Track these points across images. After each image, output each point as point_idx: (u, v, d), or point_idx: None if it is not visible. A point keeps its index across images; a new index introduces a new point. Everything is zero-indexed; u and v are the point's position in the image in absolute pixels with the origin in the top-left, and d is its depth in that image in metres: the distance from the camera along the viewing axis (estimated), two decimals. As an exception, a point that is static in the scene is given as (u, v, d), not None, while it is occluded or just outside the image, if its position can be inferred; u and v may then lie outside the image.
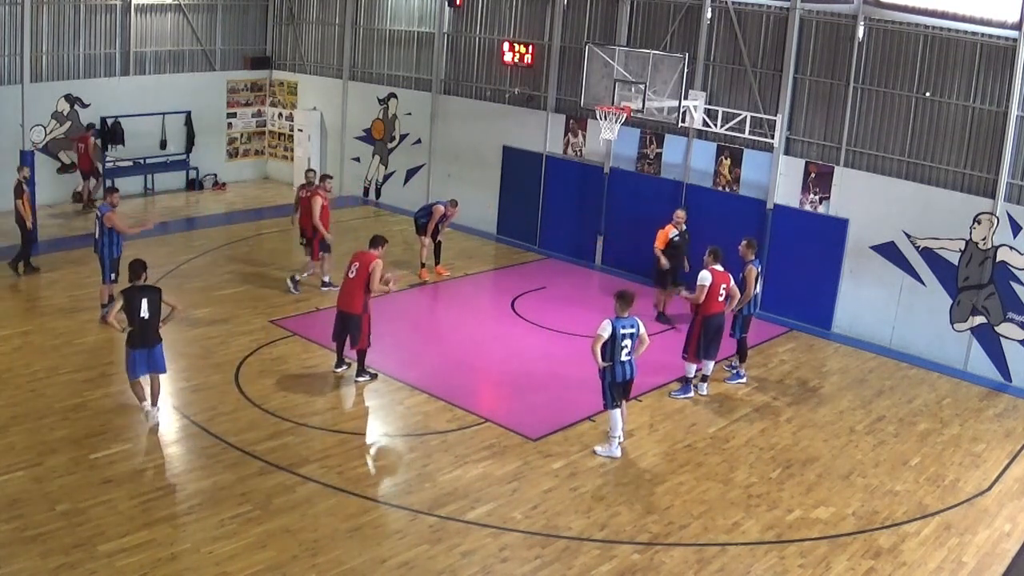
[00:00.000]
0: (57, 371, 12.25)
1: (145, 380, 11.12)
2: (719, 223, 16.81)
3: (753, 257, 13.39)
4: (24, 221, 15.96)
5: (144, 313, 10.71)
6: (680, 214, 15.54)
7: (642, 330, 10.96)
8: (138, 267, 11.02)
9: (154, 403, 11.18)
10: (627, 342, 10.81)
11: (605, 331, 10.69)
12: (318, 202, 15.93)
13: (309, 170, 16.85)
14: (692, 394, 12.87)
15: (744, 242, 13.49)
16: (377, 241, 12.64)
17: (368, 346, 12.63)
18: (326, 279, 16.28)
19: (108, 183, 21.50)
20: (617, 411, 11.11)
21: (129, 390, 11.47)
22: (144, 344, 10.83)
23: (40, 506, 9.14)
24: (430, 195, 20.90)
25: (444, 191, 20.35)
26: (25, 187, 16.15)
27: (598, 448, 11.26)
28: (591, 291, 17.61)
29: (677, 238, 15.28)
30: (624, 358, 10.85)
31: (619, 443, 11.24)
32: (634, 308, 10.93)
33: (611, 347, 10.75)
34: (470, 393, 12.81)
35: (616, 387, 11.01)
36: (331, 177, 17.12)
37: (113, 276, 14.08)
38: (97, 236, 14.17)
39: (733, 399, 13.07)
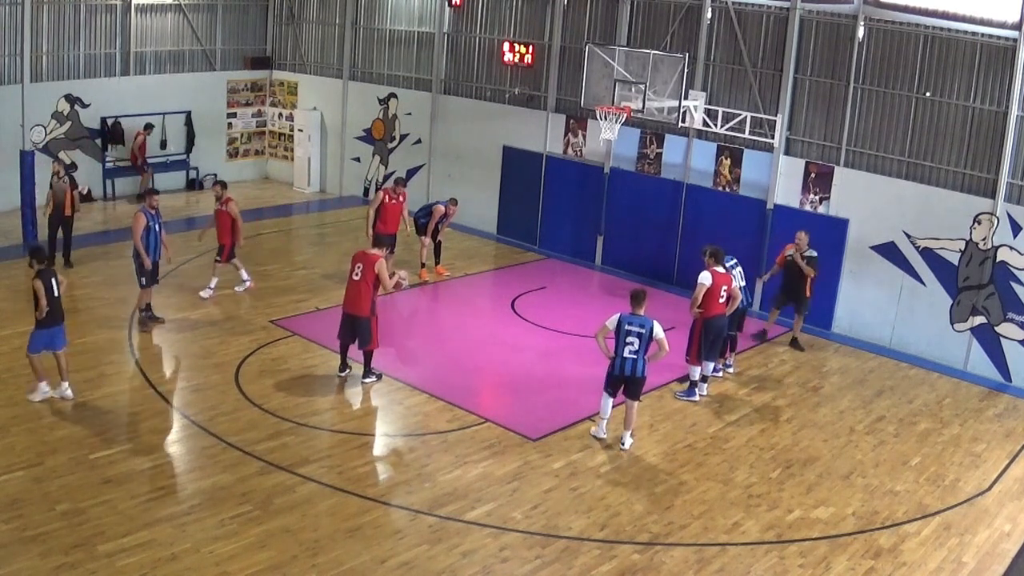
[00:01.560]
0: (57, 371, 12.22)
1: (47, 358, 11.51)
2: (719, 223, 16.84)
3: (715, 264, 12.82)
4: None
5: (56, 291, 11.38)
6: (801, 236, 14.70)
7: (659, 335, 10.96)
8: (41, 252, 11.75)
9: (65, 378, 11.50)
10: (632, 339, 10.93)
11: (611, 323, 11.02)
12: (377, 198, 16.48)
13: (217, 183, 16.37)
14: (697, 397, 12.84)
15: (708, 251, 12.89)
16: (379, 242, 12.62)
17: (377, 346, 12.67)
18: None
19: (109, 182, 21.65)
20: (608, 398, 11.37)
21: (130, 391, 11.50)
22: (57, 322, 11.42)
23: (40, 506, 9.14)
24: (430, 195, 20.88)
25: (444, 191, 20.33)
26: (54, 178, 16.56)
27: (592, 428, 11.66)
28: (591, 291, 17.61)
29: (790, 257, 14.65)
30: (626, 354, 10.99)
31: (620, 446, 11.37)
32: (647, 311, 11.08)
33: (617, 340, 11.04)
34: (470, 393, 12.81)
35: (612, 378, 11.22)
36: (403, 179, 17.36)
37: (143, 280, 13.90)
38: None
39: (733, 399, 13.07)
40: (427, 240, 17.17)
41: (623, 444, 11.40)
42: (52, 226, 16.60)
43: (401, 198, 16.58)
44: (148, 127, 21.60)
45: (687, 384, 12.99)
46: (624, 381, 11.17)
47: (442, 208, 17.07)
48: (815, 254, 14.68)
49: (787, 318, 16.43)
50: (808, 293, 14.78)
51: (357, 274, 12.29)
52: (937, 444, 12.19)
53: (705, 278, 12.43)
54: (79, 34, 20.72)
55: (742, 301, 13.40)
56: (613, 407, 11.45)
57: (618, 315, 11.03)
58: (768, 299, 15.83)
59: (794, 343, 15.14)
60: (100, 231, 19.02)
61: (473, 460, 10.81)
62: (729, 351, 13.85)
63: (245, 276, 15.95)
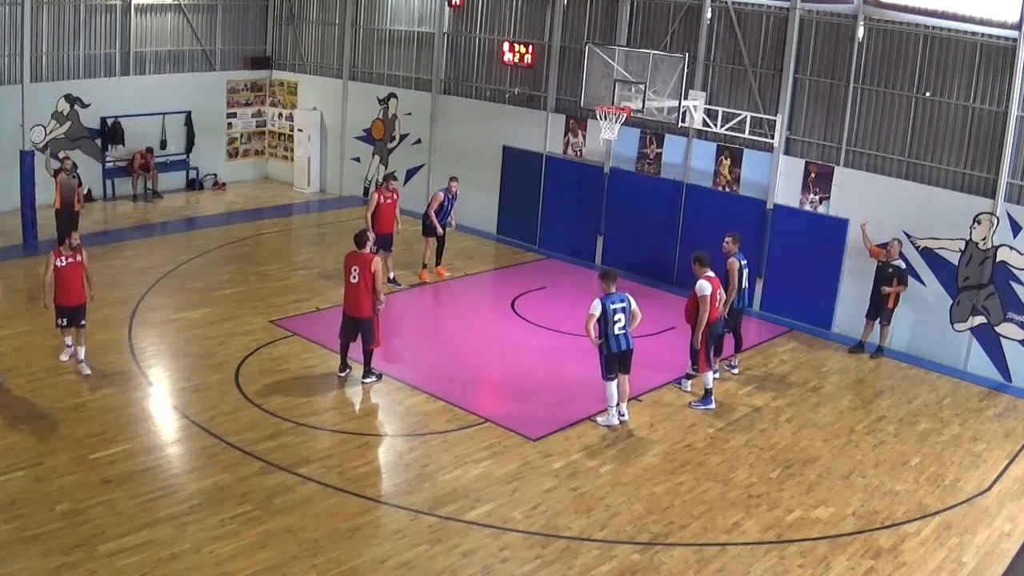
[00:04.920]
0: (57, 371, 12.24)
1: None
2: (719, 223, 16.81)
3: (737, 251, 13.41)
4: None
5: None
6: (894, 244, 14.69)
7: (633, 305, 11.69)
8: None
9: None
10: (619, 316, 11.47)
11: (596, 310, 11.41)
12: (373, 200, 16.43)
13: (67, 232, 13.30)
14: (713, 405, 12.63)
15: (728, 237, 13.50)
16: (364, 239, 12.49)
17: (379, 344, 12.71)
18: (391, 275, 16.50)
19: (108, 182, 21.65)
20: (613, 383, 11.68)
21: (130, 391, 11.63)
22: None
23: (40, 506, 9.14)
24: (430, 195, 20.87)
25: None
26: (64, 175, 16.76)
27: (599, 418, 11.87)
28: (591, 291, 17.45)
29: (881, 263, 14.64)
30: (617, 332, 11.47)
31: (619, 416, 11.84)
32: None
33: (604, 323, 11.40)
34: (470, 393, 12.81)
35: (613, 358, 11.57)
36: (392, 176, 17.42)
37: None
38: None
39: (733, 399, 13.06)
40: (432, 240, 17.17)
41: (623, 416, 11.90)
42: (61, 223, 16.59)
43: (395, 195, 16.53)
44: (149, 151, 21.89)
45: (702, 393, 12.73)
46: (619, 357, 11.60)
47: (440, 194, 17.04)
48: (903, 266, 14.67)
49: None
50: (891, 304, 14.69)
51: (355, 277, 12.25)
52: (937, 444, 12.18)
53: (705, 287, 12.31)
54: (79, 34, 20.71)
55: (740, 301, 13.39)
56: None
57: (598, 300, 11.44)
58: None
59: (877, 351, 15.02)
60: (100, 231, 19.03)
61: (473, 460, 10.81)
62: (736, 351, 13.81)
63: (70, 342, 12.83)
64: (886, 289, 14.58)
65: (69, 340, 12.55)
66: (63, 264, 12.14)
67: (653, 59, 15.89)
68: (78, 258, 12.24)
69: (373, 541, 9.11)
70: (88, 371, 12.25)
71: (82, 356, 12.36)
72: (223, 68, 23.70)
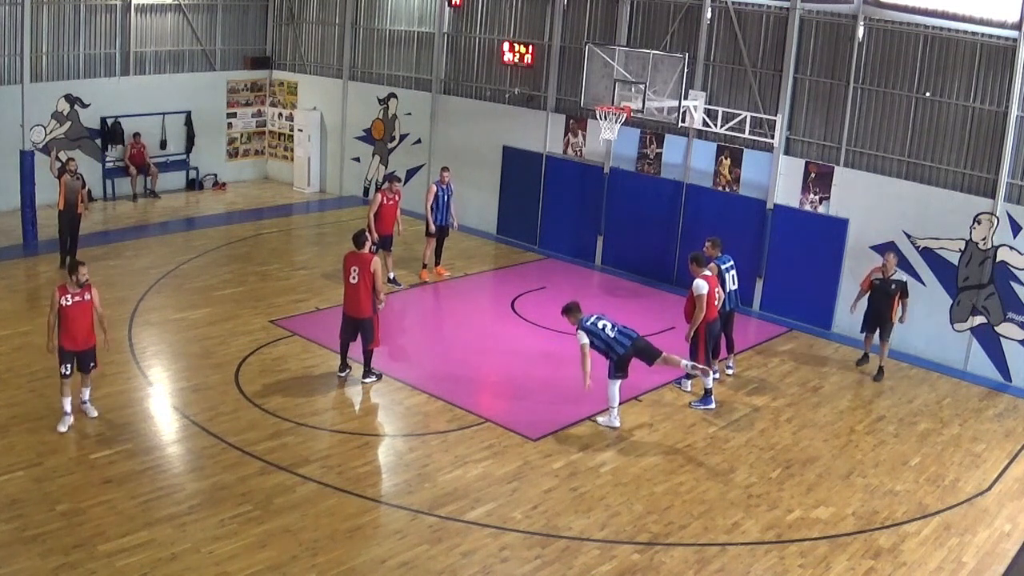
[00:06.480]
0: (57, 371, 12.20)
1: None
2: (719, 223, 16.83)
3: (719, 255, 13.34)
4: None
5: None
6: (890, 258, 13.99)
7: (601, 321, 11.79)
8: None
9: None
10: (603, 324, 11.58)
11: (583, 338, 11.48)
12: (376, 200, 16.39)
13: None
14: (713, 405, 12.63)
15: (708, 242, 13.43)
16: (363, 239, 12.48)
17: (379, 344, 12.72)
18: (391, 276, 16.56)
19: (108, 182, 21.61)
20: (616, 383, 11.70)
21: (130, 391, 11.65)
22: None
23: (40, 506, 9.14)
24: (430, 195, 20.92)
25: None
26: (68, 176, 16.39)
27: (599, 418, 11.88)
28: (591, 291, 17.57)
29: (878, 281, 13.98)
30: (613, 335, 11.52)
31: (618, 414, 11.90)
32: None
33: (598, 340, 11.51)
34: (470, 393, 12.81)
35: (624, 360, 11.58)
36: (397, 177, 17.37)
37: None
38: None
39: (733, 399, 13.06)
40: (432, 240, 17.17)
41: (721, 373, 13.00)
42: (63, 225, 16.44)
43: (397, 197, 16.52)
44: (136, 136, 21.67)
45: (702, 393, 12.73)
46: (633, 354, 11.62)
47: (433, 186, 17.02)
48: (904, 278, 14.20)
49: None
50: (894, 319, 14.05)
51: (354, 277, 12.24)
52: (937, 444, 12.18)
53: (702, 287, 12.30)
54: (79, 34, 20.72)
55: (730, 302, 13.38)
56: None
57: (579, 331, 11.49)
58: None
59: (879, 373, 14.11)
60: (100, 231, 19.03)
61: (473, 460, 10.81)
62: (728, 352, 13.83)
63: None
64: (897, 318, 13.92)
65: (68, 406, 10.75)
66: (69, 303, 10.57)
67: (653, 59, 15.90)
68: (87, 296, 10.68)
69: (373, 541, 9.11)
70: (95, 413, 11.01)
71: (87, 396, 11.04)
72: (223, 68, 23.70)
